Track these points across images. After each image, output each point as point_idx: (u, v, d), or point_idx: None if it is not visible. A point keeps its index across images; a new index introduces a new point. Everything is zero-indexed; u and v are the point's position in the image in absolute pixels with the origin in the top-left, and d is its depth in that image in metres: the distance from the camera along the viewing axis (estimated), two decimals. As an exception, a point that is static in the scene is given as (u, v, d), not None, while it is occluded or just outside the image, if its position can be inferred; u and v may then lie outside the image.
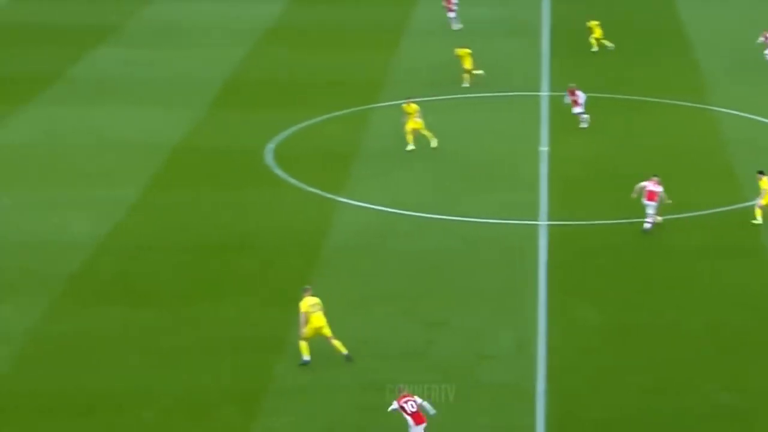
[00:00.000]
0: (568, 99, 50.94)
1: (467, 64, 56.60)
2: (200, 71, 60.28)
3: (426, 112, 50.75)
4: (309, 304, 32.19)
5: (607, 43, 63.50)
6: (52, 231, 40.64)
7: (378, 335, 33.54)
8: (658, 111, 54.14)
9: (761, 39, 60.56)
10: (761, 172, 40.72)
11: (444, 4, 67.31)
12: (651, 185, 40.26)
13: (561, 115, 52.42)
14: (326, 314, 31.95)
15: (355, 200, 43.21)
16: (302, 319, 32.05)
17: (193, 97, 55.74)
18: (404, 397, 28.41)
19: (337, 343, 32.03)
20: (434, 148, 47.86)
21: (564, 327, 34.04)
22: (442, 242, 39.81)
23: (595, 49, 63.14)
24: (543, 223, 41.23)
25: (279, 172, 46.07)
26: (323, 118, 52.61)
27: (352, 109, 53.41)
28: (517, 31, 68.84)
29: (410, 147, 47.64)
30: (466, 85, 56.06)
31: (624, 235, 40.38)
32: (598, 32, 63.72)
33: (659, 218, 40.30)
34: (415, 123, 47.93)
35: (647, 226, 40.06)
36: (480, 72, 56.52)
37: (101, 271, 37.62)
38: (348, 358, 31.95)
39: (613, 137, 50.09)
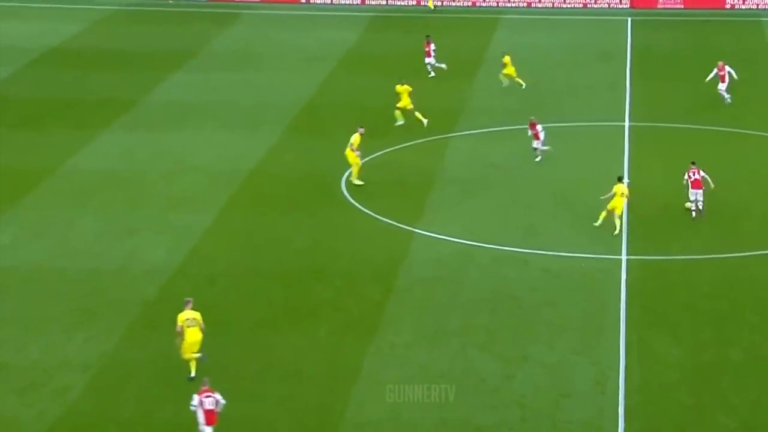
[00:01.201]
0: (530, 132, 50.35)
1: (405, 101, 54.84)
2: (276, 97, 60.76)
3: (506, 140, 50.73)
4: (185, 317, 32.57)
5: (521, 81, 60.79)
6: (128, 257, 41.14)
7: (453, 369, 33.50)
8: (744, 142, 53.60)
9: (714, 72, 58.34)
10: (620, 179, 43.55)
11: (426, 49, 65.67)
12: (692, 175, 43.36)
13: (644, 146, 52.16)
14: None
15: (430, 231, 43.26)
16: (178, 331, 32.62)
17: (268, 123, 56.18)
18: (205, 391, 28.53)
19: (193, 364, 32.47)
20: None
21: (645, 363, 33.81)
22: (520, 274, 39.72)
23: (506, 84, 60.77)
24: (624, 257, 40.99)
25: (354, 201, 46.26)
26: (400, 146, 52.73)
27: (430, 138, 53.50)
28: (600, 58, 68.60)
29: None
30: (400, 122, 54.50)
31: (706, 270, 40.07)
32: (510, 70, 60.81)
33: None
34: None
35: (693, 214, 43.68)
36: (399, 123, 54.78)
37: (176, 298, 37.89)
38: (192, 378, 32.26)
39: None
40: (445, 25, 79.57)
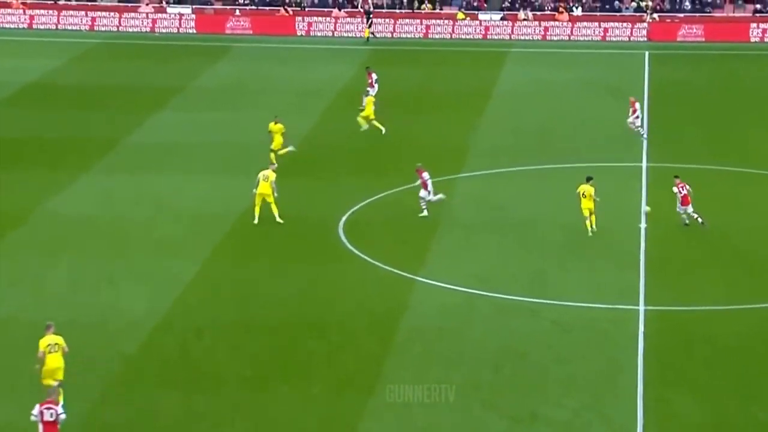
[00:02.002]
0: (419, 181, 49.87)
1: (277, 143, 55.56)
2: (267, 136, 60.76)
3: (514, 181, 50.82)
4: (47, 343, 33.50)
5: (377, 124, 60.48)
6: (107, 308, 41.07)
7: (456, 429, 33.35)
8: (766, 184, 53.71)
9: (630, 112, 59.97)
10: (588, 179, 47.26)
11: (368, 80, 66.21)
12: (682, 190, 46.73)
13: (662, 188, 52.15)
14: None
15: (433, 279, 43.24)
16: (40, 357, 33.52)
17: (259, 164, 56.05)
18: (48, 402, 29.61)
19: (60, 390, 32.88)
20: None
21: (664, 424, 33.68)
22: (528, 326, 39.65)
23: (364, 127, 60.47)
24: (641, 307, 40.95)
25: (351, 246, 46.29)
26: (401, 188, 52.80)
27: (434, 179, 53.51)
28: (615, 94, 68.84)
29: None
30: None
31: (729, 321, 39.97)
32: (369, 110, 60.59)
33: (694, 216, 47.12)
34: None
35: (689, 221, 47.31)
36: (290, 149, 55.00)
37: (159, 353, 37.91)
38: (62, 410, 32.35)
39: (719, 213, 49.64)
40: (452, 58, 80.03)
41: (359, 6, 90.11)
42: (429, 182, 48.99)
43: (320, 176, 54.80)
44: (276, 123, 56.47)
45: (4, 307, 41.38)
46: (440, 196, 49.33)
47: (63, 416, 30.25)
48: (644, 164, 56.09)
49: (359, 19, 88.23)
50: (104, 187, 53.58)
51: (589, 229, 46.42)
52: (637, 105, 60.16)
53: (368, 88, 64.74)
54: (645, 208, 47.99)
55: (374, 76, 65.35)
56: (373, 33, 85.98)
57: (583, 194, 46.76)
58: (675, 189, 47.43)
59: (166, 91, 69.78)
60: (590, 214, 46.62)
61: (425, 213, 48.91)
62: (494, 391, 35.43)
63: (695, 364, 37.19)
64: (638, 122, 59.69)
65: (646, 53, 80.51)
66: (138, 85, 72.08)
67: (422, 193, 49.04)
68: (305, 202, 51.36)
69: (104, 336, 38.98)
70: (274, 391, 35.42)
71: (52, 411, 29.96)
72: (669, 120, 63.56)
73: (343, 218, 49.08)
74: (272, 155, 54.97)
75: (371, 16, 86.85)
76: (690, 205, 47.12)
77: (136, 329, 39.35)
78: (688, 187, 47.35)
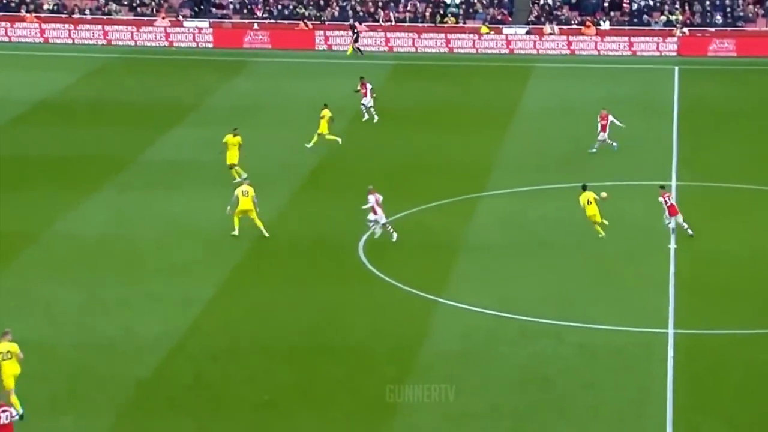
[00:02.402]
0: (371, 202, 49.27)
1: (232, 156, 55.73)
2: (286, 154, 60.91)
3: (540, 201, 50.51)
4: (1, 351, 34.32)
5: (333, 137, 60.61)
6: (121, 331, 41.06)
7: (480, 456, 33.30)
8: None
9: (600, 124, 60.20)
10: (584, 187, 48.27)
11: (360, 90, 66.39)
12: (668, 200, 47.64)
13: (692, 208, 51.98)
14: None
15: (456, 301, 43.15)
16: None
17: (277, 183, 56.28)
18: (2, 405, 31.24)
19: (14, 399, 33.63)
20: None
21: (693, 452, 33.54)
22: (553, 350, 39.52)
23: (310, 144, 60.60)
24: (670, 331, 40.77)
25: (372, 267, 46.23)
26: (423, 207, 52.79)
27: (458, 198, 53.51)
28: (644, 111, 68.75)
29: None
30: (237, 180, 54.64)
31: (762, 347, 39.75)
32: (323, 126, 60.55)
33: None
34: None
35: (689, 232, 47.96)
36: (244, 177, 54.15)
37: (174, 378, 37.87)
38: (21, 417, 33.22)
39: (752, 233, 49.50)
40: (475, 73, 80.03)
41: (381, 20, 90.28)
42: (378, 206, 48.27)
43: (340, 194, 54.75)
44: (234, 135, 56.41)
45: (14, 330, 41.27)
46: (390, 229, 48.52)
47: (16, 417, 31.81)
48: (674, 183, 55.92)
49: (380, 33, 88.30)
50: (117, 206, 53.65)
51: (601, 231, 47.58)
52: (610, 117, 59.90)
53: (363, 98, 65.41)
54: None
55: (368, 86, 65.88)
56: (358, 48, 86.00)
57: (588, 201, 47.51)
58: (660, 199, 48.02)
59: (181, 107, 69.91)
60: (597, 220, 47.43)
61: (377, 234, 48.40)
62: (519, 416, 35.29)
63: (727, 391, 36.97)
64: (602, 136, 59.56)
65: (676, 68, 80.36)
66: (153, 100, 72.24)
67: (371, 216, 48.51)
68: (325, 221, 51.34)
69: (117, 359, 38.97)
70: (292, 417, 35.34)
71: (8, 413, 31.31)
72: (699, 137, 63.36)
73: (364, 238, 49.03)
74: (235, 168, 55.45)
75: (356, 30, 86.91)
76: (679, 214, 47.68)
77: (149, 353, 39.34)
78: (673, 198, 48.40)
